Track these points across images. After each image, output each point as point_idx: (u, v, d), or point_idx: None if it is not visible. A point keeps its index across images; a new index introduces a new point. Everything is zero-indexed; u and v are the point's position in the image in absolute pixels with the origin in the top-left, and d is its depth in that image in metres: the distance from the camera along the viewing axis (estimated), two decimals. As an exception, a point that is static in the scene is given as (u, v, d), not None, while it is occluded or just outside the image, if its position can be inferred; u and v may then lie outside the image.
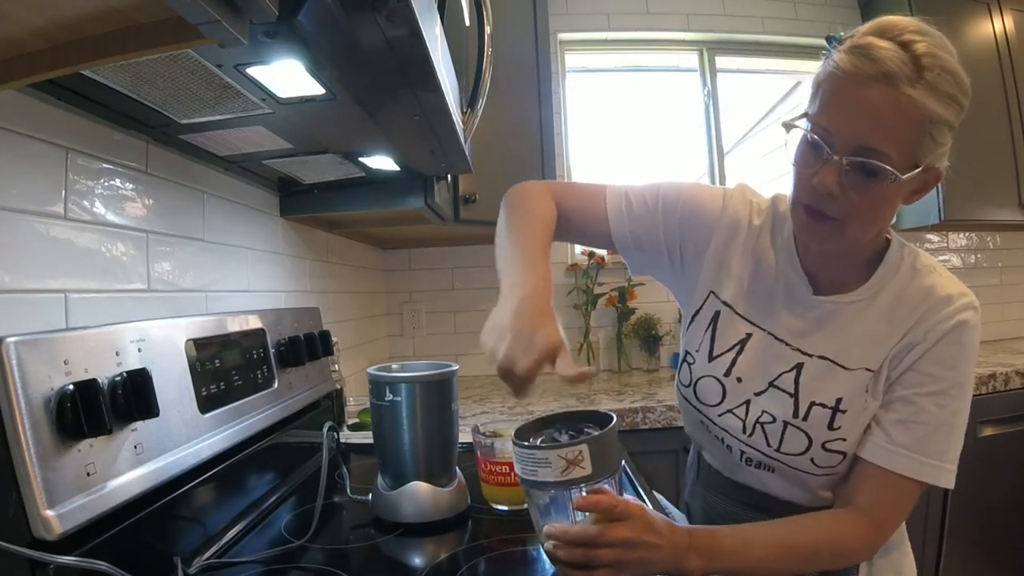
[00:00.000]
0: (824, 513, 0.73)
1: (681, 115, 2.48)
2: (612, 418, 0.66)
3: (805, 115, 0.67)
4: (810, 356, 0.75)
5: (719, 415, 0.80)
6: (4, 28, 0.46)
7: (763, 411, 0.77)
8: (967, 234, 2.53)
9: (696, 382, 0.82)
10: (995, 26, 2.21)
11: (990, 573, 1.73)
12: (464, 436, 0.92)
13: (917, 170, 0.63)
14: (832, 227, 0.67)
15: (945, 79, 0.61)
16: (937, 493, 1.65)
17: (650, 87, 2.52)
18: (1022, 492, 1.72)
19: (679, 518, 0.93)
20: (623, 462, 0.67)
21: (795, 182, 0.70)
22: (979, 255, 2.55)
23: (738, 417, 0.79)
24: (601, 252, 2.26)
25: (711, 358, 0.81)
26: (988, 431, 1.69)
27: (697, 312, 0.84)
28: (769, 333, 0.78)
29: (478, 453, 0.87)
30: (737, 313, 0.80)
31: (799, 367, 0.75)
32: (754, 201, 0.83)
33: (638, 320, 2.22)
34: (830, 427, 0.73)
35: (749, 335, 0.79)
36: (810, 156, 0.66)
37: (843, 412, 0.72)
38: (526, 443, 0.64)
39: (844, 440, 0.72)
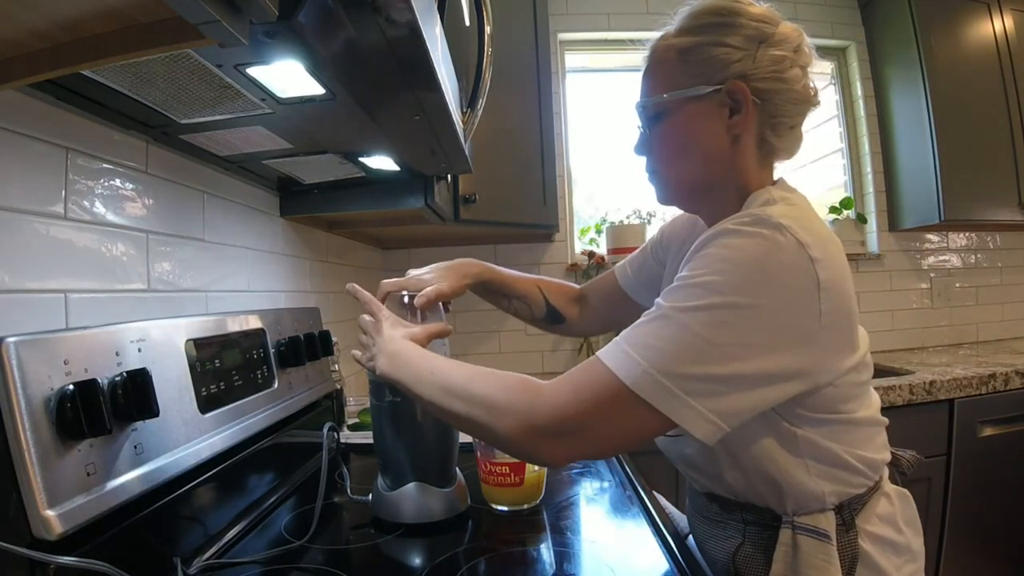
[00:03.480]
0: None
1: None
2: None
3: None
4: None
5: None
6: (4, 28, 0.46)
7: None
8: (967, 234, 2.53)
9: None
10: (995, 26, 2.21)
11: (990, 573, 1.73)
12: (464, 436, 0.92)
13: (689, 91, 0.69)
14: (655, 179, 0.77)
15: (692, 18, 0.71)
16: (937, 494, 1.65)
17: (650, 87, 2.52)
18: (1022, 492, 1.72)
19: (679, 518, 0.93)
20: None
21: None
22: (979, 255, 2.55)
23: None
24: (601, 252, 2.26)
25: None
26: (988, 431, 1.69)
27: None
28: None
29: (478, 453, 0.87)
30: None
31: None
32: None
33: (638, 320, 2.22)
34: None
35: None
36: None
37: None
38: None
39: None
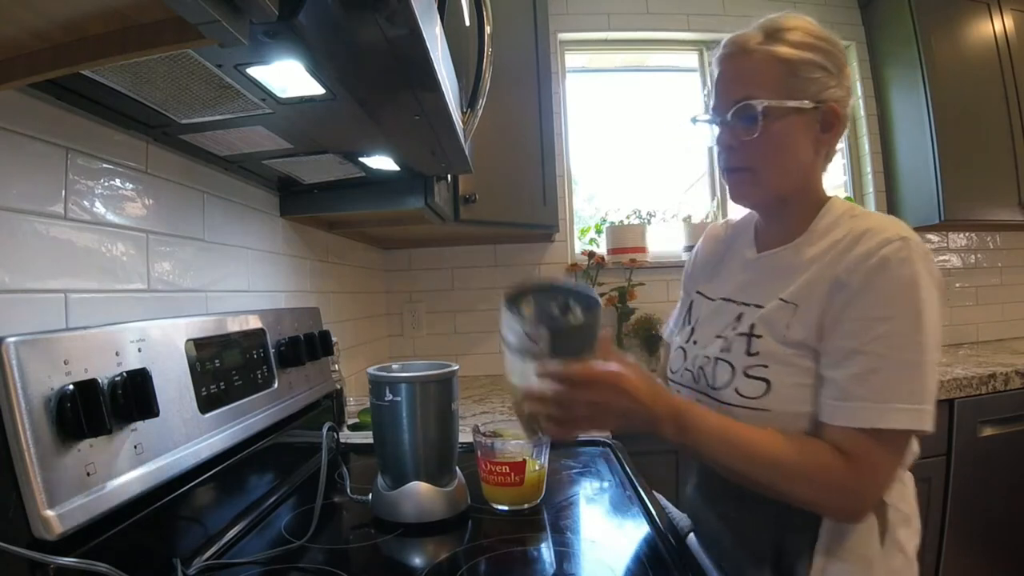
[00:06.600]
0: (807, 438, 0.70)
1: (681, 115, 2.49)
2: (594, 306, 0.69)
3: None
4: (747, 305, 0.81)
5: (680, 377, 0.88)
6: (4, 28, 0.46)
7: (704, 356, 0.83)
8: (967, 234, 2.53)
9: (672, 359, 0.92)
10: (995, 26, 2.21)
11: (990, 573, 1.73)
12: (464, 436, 0.92)
13: (798, 103, 0.74)
14: (746, 177, 0.79)
15: (794, 33, 0.75)
16: (937, 494, 1.65)
17: (650, 87, 2.52)
18: (1022, 492, 1.72)
19: (679, 518, 0.93)
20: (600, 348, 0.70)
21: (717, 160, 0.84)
22: (979, 255, 2.55)
23: (688, 370, 0.86)
24: (601, 252, 2.27)
25: (682, 334, 0.92)
26: (988, 431, 1.69)
27: (686, 310, 0.96)
28: (723, 299, 0.86)
29: (478, 453, 0.87)
30: (705, 296, 0.91)
31: (739, 317, 0.81)
32: (733, 218, 0.97)
33: (638, 320, 2.22)
34: (748, 352, 0.76)
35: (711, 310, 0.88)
36: (714, 133, 0.82)
37: (758, 337, 0.76)
38: (508, 302, 0.68)
39: (765, 367, 0.73)
